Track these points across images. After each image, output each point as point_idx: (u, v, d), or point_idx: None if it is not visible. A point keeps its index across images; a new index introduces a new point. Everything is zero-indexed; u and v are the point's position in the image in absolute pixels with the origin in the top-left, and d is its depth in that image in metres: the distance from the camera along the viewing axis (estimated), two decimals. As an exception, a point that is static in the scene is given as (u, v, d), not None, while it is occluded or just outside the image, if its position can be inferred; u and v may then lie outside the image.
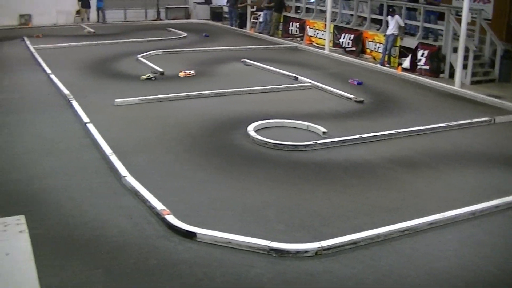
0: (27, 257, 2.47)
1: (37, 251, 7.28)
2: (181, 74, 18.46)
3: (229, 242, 7.81)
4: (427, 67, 19.25)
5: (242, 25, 30.53)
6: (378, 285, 7.12)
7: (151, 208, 8.81)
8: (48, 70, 18.60)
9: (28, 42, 24.42)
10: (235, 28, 30.75)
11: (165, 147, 11.76)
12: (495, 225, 8.86)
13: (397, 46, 20.88)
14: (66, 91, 15.60)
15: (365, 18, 23.88)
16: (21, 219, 2.86)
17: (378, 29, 22.54)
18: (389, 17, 20.68)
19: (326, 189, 9.88)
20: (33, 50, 22.66)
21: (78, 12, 31.78)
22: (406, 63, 20.01)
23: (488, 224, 8.86)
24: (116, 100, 14.79)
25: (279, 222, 8.54)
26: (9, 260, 2.50)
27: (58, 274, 7.08)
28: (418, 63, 19.57)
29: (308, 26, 26.24)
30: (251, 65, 20.36)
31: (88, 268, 7.29)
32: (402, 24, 20.42)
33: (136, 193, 9.36)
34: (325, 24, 24.15)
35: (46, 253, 7.50)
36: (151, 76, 17.90)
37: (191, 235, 8.00)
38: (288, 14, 28.25)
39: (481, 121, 14.01)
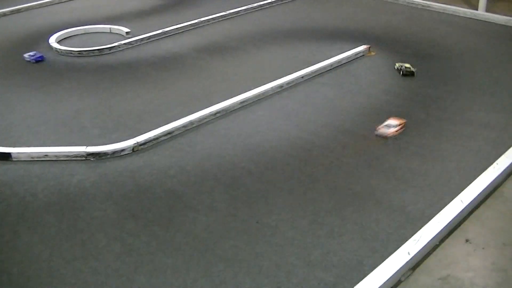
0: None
1: None
2: None
3: (46, 155, 7.70)
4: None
5: None
6: (199, 168, 7.34)
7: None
8: None
9: None
10: None
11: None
12: (302, 94, 9.34)
13: None
14: None
15: None
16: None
17: None
18: None
19: (136, 87, 9.87)
20: None
21: None
22: None
23: (296, 94, 9.34)
24: None
25: (93, 127, 8.48)
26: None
27: None
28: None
29: None
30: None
31: None
32: None
33: None
34: None
35: None
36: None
37: (6, 156, 7.80)
38: None
39: None
